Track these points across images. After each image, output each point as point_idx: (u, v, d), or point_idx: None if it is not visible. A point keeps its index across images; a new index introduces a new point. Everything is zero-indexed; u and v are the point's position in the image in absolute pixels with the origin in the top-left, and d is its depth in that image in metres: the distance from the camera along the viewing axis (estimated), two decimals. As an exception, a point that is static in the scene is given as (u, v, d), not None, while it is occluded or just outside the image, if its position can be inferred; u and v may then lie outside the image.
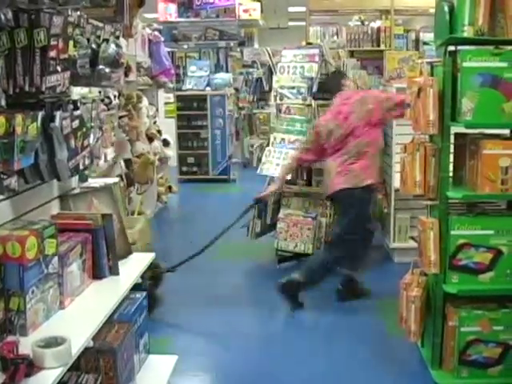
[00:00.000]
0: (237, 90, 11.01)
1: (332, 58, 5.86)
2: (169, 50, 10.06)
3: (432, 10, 6.23)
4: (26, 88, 2.18)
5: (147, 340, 3.16)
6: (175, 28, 11.64)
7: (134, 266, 2.93)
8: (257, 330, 4.58)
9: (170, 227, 7.92)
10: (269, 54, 6.09)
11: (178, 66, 11.54)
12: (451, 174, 3.63)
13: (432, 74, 3.66)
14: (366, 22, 9.40)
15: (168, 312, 4.68)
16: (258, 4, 12.11)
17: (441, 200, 3.52)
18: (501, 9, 3.31)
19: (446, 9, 3.38)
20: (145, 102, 7.33)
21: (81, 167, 2.62)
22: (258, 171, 5.75)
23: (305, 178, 6.23)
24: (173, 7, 11.31)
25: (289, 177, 5.52)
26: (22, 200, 2.52)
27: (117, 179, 3.58)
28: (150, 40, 8.09)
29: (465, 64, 3.30)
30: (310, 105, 5.63)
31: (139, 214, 5.73)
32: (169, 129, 9.55)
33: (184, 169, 10.44)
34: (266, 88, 6.18)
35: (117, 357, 2.58)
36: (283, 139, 5.65)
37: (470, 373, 3.54)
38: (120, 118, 6.50)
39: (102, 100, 5.50)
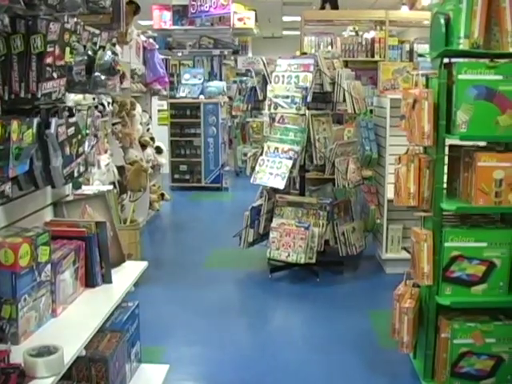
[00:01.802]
0: (230, 98, 11.01)
1: (327, 68, 5.87)
2: (163, 57, 10.06)
3: (426, 22, 6.28)
4: (22, 94, 2.16)
5: (139, 349, 3.14)
6: (170, 35, 11.66)
7: (126, 275, 2.91)
8: (248, 340, 4.56)
9: (163, 235, 7.90)
10: (264, 63, 6.09)
11: (172, 74, 11.56)
12: (445, 186, 3.64)
13: (427, 86, 3.67)
14: (361, 33, 9.42)
15: (159, 321, 4.66)
16: (253, 13, 12.15)
17: (435, 212, 3.52)
18: (496, 22, 3.33)
19: (442, 21, 3.39)
20: (138, 109, 7.32)
21: (75, 174, 2.60)
22: (252, 180, 5.73)
23: (298, 187, 6.24)
24: (168, 15, 11.33)
25: (283, 186, 5.52)
26: (15, 207, 2.50)
27: (110, 187, 3.56)
28: (144, 47, 8.09)
29: (460, 76, 3.31)
30: (303, 114, 5.62)
31: (132, 221, 5.71)
32: (162, 136, 9.53)
33: (176, 176, 10.42)
34: (261, 97, 6.17)
35: (109, 366, 2.56)
36: (277, 148, 5.64)
37: (462, 385, 3.54)
38: (113, 124, 6.49)
39: (96, 107, 5.48)
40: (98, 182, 4.99)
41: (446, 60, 3.49)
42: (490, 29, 3.36)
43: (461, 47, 3.32)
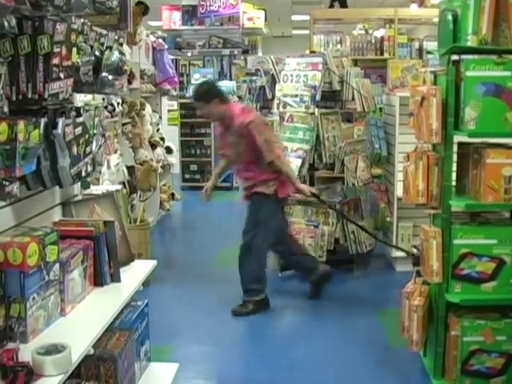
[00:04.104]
0: (240, 97, 11.01)
1: (335, 66, 5.86)
2: (173, 57, 10.07)
3: (436, 20, 6.25)
4: (29, 95, 2.18)
5: (148, 348, 3.15)
6: (179, 36, 11.67)
7: (135, 274, 2.92)
8: (258, 339, 4.57)
9: (173, 234, 7.92)
10: (272, 63, 6.09)
11: (182, 74, 11.57)
12: (454, 183, 3.63)
13: (435, 83, 3.65)
14: (370, 31, 9.41)
15: (169, 320, 4.68)
16: (262, 12, 12.14)
17: (443, 209, 3.51)
18: (505, 18, 3.31)
19: (450, 18, 3.38)
20: (148, 109, 7.34)
21: (83, 174, 2.61)
22: (261, 179, 5.73)
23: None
24: (177, 15, 11.35)
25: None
26: (23, 206, 2.52)
27: (119, 186, 3.58)
28: (153, 47, 8.12)
29: (468, 73, 3.29)
30: (313, 113, 5.62)
31: (142, 221, 5.72)
32: (172, 136, 9.56)
33: (187, 176, 10.45)
34: (269, 96, 6.16)
35: (117, 364, 2.57)
36: (286, 147, 5.64)
37: (473, 383, 3.52)
38: (123, 125, 6.52)
39: (106, 107, 5.51)
40: (108, 182, 5.01)
41: (454, 57, 3.47)
42: (498, 25, 3.35)
43: (469, 44, 3.31)
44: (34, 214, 2.64)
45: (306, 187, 5.22)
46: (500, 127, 3.33)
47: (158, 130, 8.01)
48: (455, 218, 3.59)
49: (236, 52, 11.46)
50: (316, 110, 5.66)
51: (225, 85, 10.46)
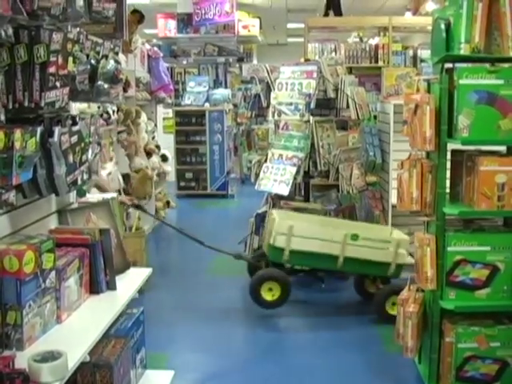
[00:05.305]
0: (235, 105, 11.04)
1: (330, 74, 5.89)
2: (168, 65, 10.10)
3: (430, 28, 6.30)
4: (26, 103, 2.20)
5: (144, 355, 3.16)
6: (174, 44, 11.71)
7: (131, 281, 2.93)
8: (253, 346, 4.57)
9: (168, 242, 7.91)
10: (267, 71, 6.12)
11: (177, 82, 11.61)
12: (448, 191, 3.65)
13: (429, 91, 3.68)
14: (365, 39, 9.46)
15: (165, 327, 4.68)
16: (257, 20, 12.20)
17: (437, 216, 3.53)
18: (497, 26, 3.34)
19: (443, 26, 3.41)
20: (143, 117, 7.36)
21: (79, 182, 2.63)
22: (256, 187, 5.75)
23: (302, 194, 6.26)
24: (172, 23, 11.39)
25: (287, 193, 5.53)
26: (20, 214, 2.53)
27: (115, 194, 3.59)
28: (149, 55, 8.13)
29: (461, 81, 3.32)
30: (307, 121, 5.64)
31: (137, 229, 5.73)
32: (167, 144, 9.57)
33: (182, 184, 10.45)
34: (264, 104, 6.19)
35: (113, 371, 2.58)
36: (281, 155, 5.65)
37: (467, 390, 3.54)
38: (119, 133, 6.52)
39: (101, 115, 5.52)
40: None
41: (447, 65, 3.51)
42: (490, 33, 3.37)
43: (461, 52, 3.33)
44: (31, 221, 2.65)
45: (125, 198, 5.46)
46: (493, 135, 3.36)
47: (153, 138, 8.02)
48: (449, 225, 3.61)
49: (231, 60, 11.50)
50: (311, 117, 5.68)
51: (220, 92, 10.52)
